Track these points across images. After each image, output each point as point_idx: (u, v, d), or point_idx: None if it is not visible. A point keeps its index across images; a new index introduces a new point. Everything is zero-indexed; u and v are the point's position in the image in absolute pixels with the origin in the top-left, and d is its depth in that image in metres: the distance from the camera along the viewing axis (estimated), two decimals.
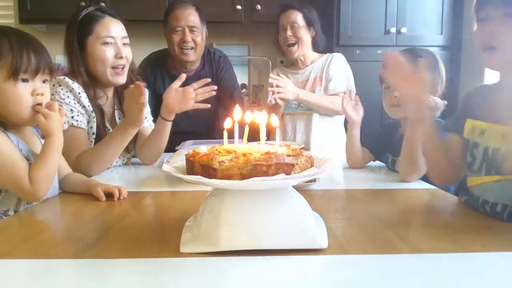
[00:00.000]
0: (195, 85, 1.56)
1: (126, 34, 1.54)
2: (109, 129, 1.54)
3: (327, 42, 2.25)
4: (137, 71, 1.66)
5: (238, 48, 3.06)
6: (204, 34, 2.05)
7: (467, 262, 0.70)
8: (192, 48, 1.99)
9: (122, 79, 1.52)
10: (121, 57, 1.49)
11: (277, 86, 1.95)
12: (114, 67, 1.49)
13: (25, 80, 1.03)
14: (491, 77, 2.59)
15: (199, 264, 0.68)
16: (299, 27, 2.09)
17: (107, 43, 1.47)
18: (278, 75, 2.14)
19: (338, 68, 2.13)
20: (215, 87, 1.58)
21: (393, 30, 2.75)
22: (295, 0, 2.18)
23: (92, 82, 1.50)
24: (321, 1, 2.97)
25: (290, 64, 2.25)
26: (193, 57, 2.01)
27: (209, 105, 1.61)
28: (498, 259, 0.70)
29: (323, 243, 0.72)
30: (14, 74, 1.00)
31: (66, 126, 1.37)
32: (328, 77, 2.12)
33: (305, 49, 2.13)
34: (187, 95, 1.54)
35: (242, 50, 3.14)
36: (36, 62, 1.03)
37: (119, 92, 1.58)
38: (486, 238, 0.79)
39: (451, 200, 1.11)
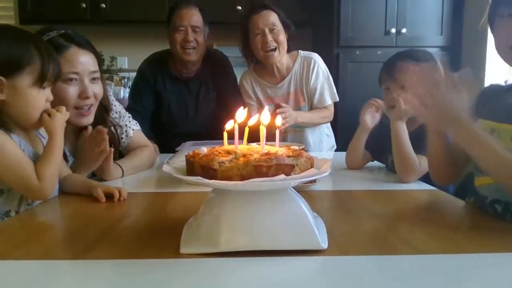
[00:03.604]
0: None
1: (96, 68, 1.29)
2: None
3: (327, 43, 2.23)
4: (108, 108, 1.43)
5: (238, 49, 3.06)
6: (206, 35, 2.06)
7: (467, 263, 0.70)
8: (194, 48, 1.99)
9: (87, 120, 1.30)
10: (87, 97, 1.26)
11: (283, 118, 1.82)
12: (77, 108, 1.27)
13: (43, 88, 1.05)
14: (492, 77, 2.60)
15: (199, 265, 0.68)
16: (278, 30, 1.93)
17: (70, 80, 1.24)
18: (251, 83, 2.09)
19: (318, 79, 2.04)
20: (105, 131, 1.29)
21: (393, 30, 2.75)
22: (273, 1, 2.00)
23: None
24: (321, 1, 2.97)
25: (263, 73, 2.09)
26: (195, 56, 2.01)
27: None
28: (498, 260, 0.70)
29: (323, 243, 0.72)
30: (40, 81, 1.03)
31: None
32: (310, 90, 2.04)
33: (284, 55, 2.00)
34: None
35: None
36: (56, 71, 1.07)
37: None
38: (486, 239, 0.79)
39: (451, 201, 1.11)
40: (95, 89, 1.29)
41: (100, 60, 1.34)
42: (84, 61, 1.26)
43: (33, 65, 1.02)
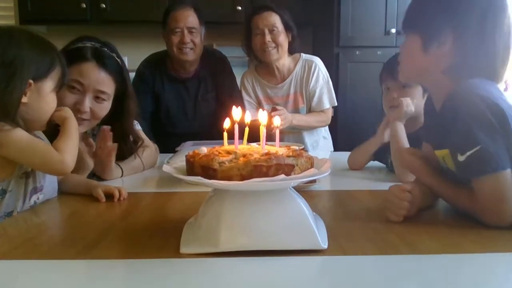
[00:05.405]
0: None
1: (109, 91, 1.30)
2: None
3: (327, 43, 2.23)
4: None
5: (238, 49, 3.06)
6: (203, 35, 2.05)
7: (467, 263, 0.70)
8: (191, 49, 1.99)
9: (80, 129, 1.25)
10: (80, 110, 1.25)
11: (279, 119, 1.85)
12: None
13: (57, 92, 1.09)
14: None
15: (199, 265, 0.68)
16: (278, 31, 1.96)
17: (72, 87, 1.25)
18: (253, 84, 2.11)
19: (318, 83, 2.06)
20: (109, 128, 1.32)
21: (393, 30, 2.75)
22: (273, 1, 2.05)
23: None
24: (321, 1, 2.97)
25: (265, 73, 2.12)
26: (192, 57, 2.01)
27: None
28: (498, 260, 0.71)
29: (323, 243, 0.72)
30: (58, 87, 1.08)
31: None
32: (309, 93, 2.06)
33: (283, 55, 2.03)
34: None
35: (242, 51, 3.13)
36: (67, 78, 1.12)
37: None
38: (486, 239, 0.79)
39: None
40: (97, 107, 1.29)
41: (120, 87, 1.34)
42: (94, 78, 1.26)
43: (56, 71, 1.06)
